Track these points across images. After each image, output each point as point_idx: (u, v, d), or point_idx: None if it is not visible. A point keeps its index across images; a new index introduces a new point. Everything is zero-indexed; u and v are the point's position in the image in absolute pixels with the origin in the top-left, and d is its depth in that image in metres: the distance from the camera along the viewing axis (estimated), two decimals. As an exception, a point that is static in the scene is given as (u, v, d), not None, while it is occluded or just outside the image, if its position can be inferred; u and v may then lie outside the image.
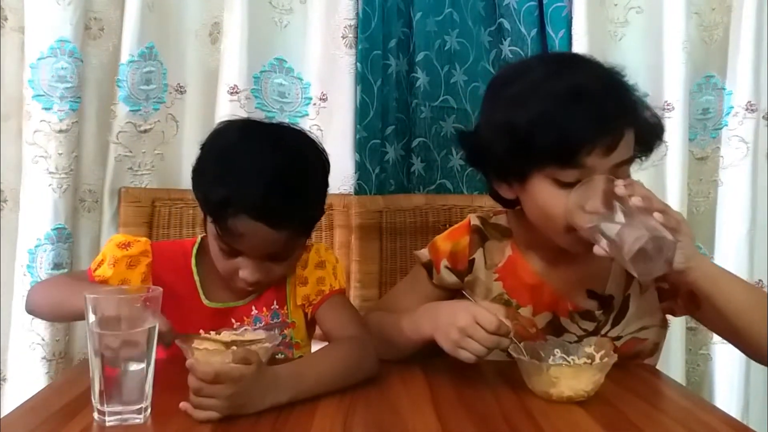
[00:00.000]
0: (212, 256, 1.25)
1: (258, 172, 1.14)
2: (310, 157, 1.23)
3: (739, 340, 1.18)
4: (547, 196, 1.15)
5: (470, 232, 1.34)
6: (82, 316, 0.97)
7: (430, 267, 1.36)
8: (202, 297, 1.28)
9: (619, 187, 1.08)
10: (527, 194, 1.19)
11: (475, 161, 1.31)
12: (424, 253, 1.38)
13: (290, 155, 1.19)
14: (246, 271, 1.20)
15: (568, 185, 1.12)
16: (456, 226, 1.39)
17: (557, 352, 1.15)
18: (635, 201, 1.06)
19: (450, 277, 1.34)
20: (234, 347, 1.10)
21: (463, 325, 1.10)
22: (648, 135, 1.20)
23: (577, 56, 1.29)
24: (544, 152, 1.12)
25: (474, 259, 1.33)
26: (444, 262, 1.34)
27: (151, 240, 1.67)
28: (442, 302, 1.24)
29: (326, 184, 1.27)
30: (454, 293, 1.37)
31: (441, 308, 1.19)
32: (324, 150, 1.27)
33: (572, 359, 1.13)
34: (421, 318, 1.21)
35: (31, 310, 1.29)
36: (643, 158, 1.23)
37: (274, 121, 1.34)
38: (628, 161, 1.15)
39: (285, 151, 1.19)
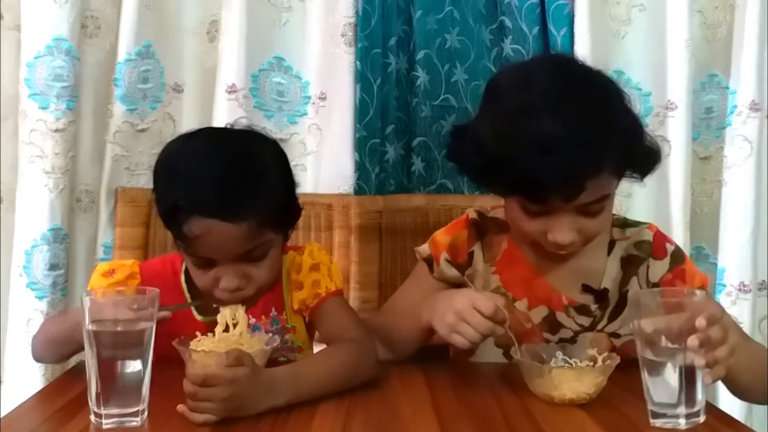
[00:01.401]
0: (191, 274, 1.22)
1: (199, 171, 1.13)
2: (256, 149, 1.20)
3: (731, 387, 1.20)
4: (516, 216, 1.21)
5: (468, 226, 1.35)
6: (83, 346, 0.96)
7: (431, 262, 1.36)
8: (195, 313, 1.27)
9: (693, 341, 0.93)
10: (504, 203, 1.24)
11: (456, 161, 1.29)
12: (424, 249, 1.38)
13: (232, 150, 1.17)
14: (223, 280, 1.17)
15: (534, 213, 1.17)
16: (455, 221, 1.40)
17: (559, 354, 1.14)
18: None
19: (450, 270, 1.34)
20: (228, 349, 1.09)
21: (460, 308, 1.10)
22: (639, 166, 1.20)
23: (578, 77, 1.18)
24: (507, 186, 1.17)
25: (473, 251, 1.34)
26: (444, 255, 1.34)
27: (149, 240, 1.69)
28: (444, 291, 1.24)
29: (283, 174, 1.23)
30: (455, 287, 1.36)
31: (441, 295, 1.20)
32: (276, 142, 1.26)
33: (574, 361, 1.12)
34: (422, 307, 1.21)
35: (39, 356, 1.24)
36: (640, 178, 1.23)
37: (224, 126, 1.32)
38: (601, 199, 1.15)
39: (226, 147, 1.18)
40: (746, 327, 1.86)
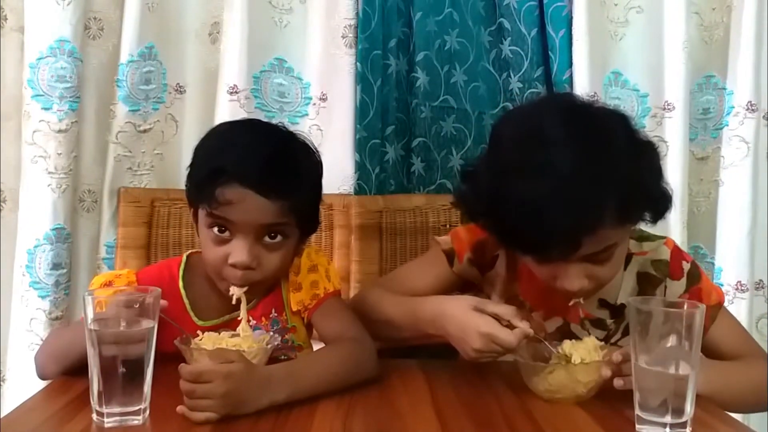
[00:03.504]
0: (203, 249, 1.23)
1: (252, 145, 1.19)
2: (302, 149, 1.26)
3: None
4: (526, 260, 1.19)
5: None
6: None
7: (451, 255, 1.35)
8: (194, 318, 1.27)
9: None
10: None
11: (462, 205, 1.24)
12: (446, 240, 1.37)
13: (282, 140, 1.24)
14: (236, 253, 1.18)
15: (541, 260, 1.15)
16: None
17: (559, 350, 1.14)
18: None
19: (471, 271, 1.34)
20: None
21: (480, 347, 1.11)
22: (645, 213, 1.14)
23: (578, 129, 1.09)
24: (506, 242, 1.17)
25: (498, 255, 1.33)
26: (467, 255, 1.34)
27: (151, 239, 1.70)
28: (448, 309, 1.18)
29: (316, 180, 1.28)
30: (471, 284, 1.37)
31: (450, 322, 1.15)
32: (320, 158, 1.30)
33: (574, 360, 1.12)
34: (427, 322, 1.20)
35: (42, 374, 1.20)
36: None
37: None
38: (607, 249, 1.11)
39: (278, 135, 1.25)
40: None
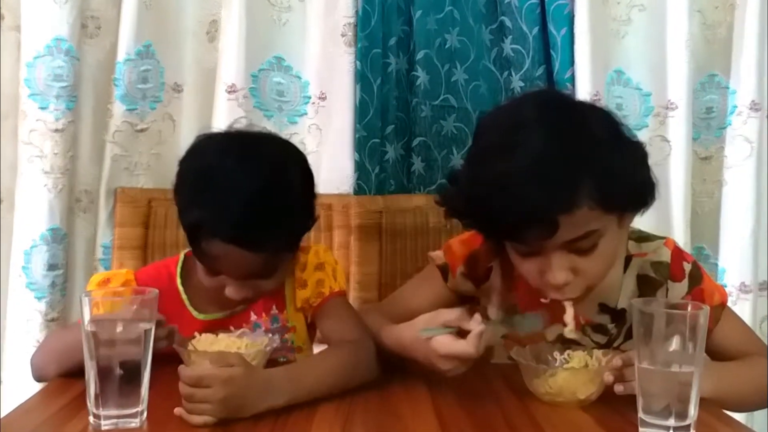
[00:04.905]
0: (198, 272, 1.22)
1: (232, 195, 1.11)
2: (292, 175, 1.19)
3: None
4: (512, 258, 1.17)
5: (486, 240, 1.30)
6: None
7: (445, 270, 1.34)
8: (193, 312, 1.27)
9: None
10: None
11: (443, 203, 1.24)
12: (439, 255, 1.36)
13: (269, 176, 1.15)
14: (230, 290, 1.19)
15: (525, 254, 1.13)
16: (473, 232, 1.33)
17: (557, 354, 1.14)
18: None
19: (465, 285, 1.33)
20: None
21: (448, 367, 1.08)
22: (627, 202, 1.13)
23: (557, 114, 1.10)
24: (484, 228, 1.16)
25: (492, 267, 1.31)
26: (460, 269, 1.32)
27: (148, 240, 1.69)
28: (405, 340, 1.15)
29: (310, 199, 1.24)
30: (467, 299, 1.35)
31: (415, 351, 1.12)
32: (307, 162, 1.25)
33: (576, 362, 1.12)
34: (402, 351, 1.17)
35: (40, 376, 1.20)
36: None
37: (255, 131, 1.28)
38: (588, 235, 1.09)
39: (263, 171, 1.14)
40: (747, 328, 1.86)
